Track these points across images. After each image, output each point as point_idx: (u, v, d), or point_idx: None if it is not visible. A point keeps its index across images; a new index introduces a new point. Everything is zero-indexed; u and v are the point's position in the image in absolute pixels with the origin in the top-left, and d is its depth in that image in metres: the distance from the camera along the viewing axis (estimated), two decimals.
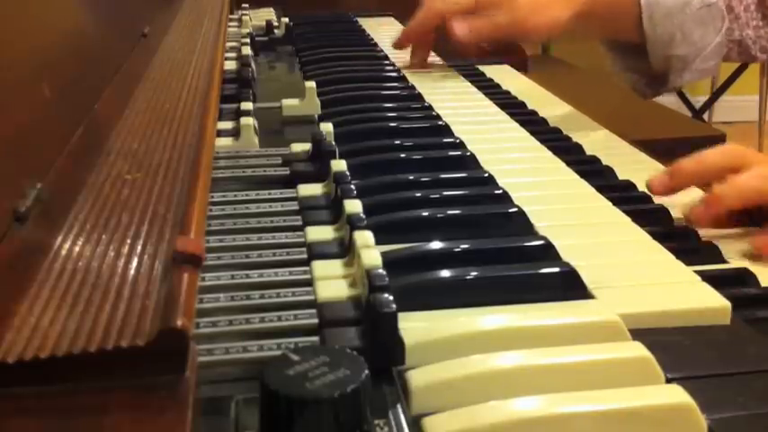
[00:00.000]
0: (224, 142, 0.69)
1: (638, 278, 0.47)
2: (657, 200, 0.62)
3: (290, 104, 0.80)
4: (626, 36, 0.94)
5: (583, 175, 0.65)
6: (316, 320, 0.41)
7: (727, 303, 0.44)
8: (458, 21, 0.91)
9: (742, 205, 0.57)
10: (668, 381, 0.37)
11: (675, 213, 0.60)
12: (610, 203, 0.59)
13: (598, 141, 0.79)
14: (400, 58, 1.06)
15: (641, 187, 0.65)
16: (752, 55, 0.94)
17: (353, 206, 0.51)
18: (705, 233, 0.57)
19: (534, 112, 0.88)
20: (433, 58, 1.10)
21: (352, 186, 0.54)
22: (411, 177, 0.61)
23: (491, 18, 0.91)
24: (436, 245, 0.49)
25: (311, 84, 0.81)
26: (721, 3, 0.92)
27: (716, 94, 2.82)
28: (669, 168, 0.61)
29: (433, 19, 0.95)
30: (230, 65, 0.94)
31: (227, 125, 0.72)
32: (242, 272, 0.45)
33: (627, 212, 0.57)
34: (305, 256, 0.48)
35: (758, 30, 0.92)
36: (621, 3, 0.91)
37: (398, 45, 1.06)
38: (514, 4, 0.90)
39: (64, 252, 0.37)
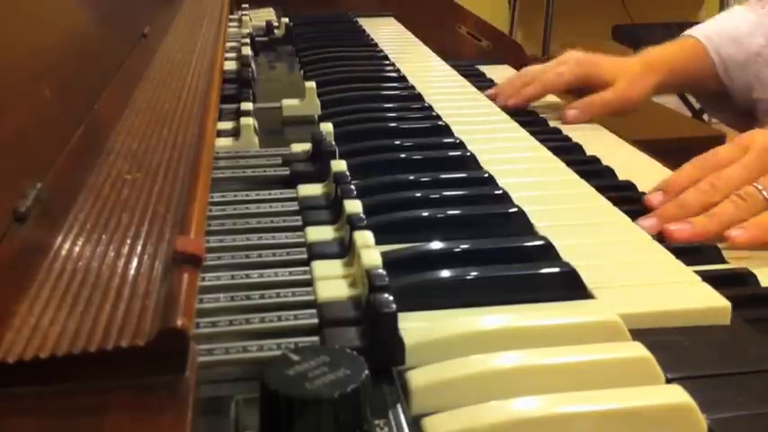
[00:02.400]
0: (224, 142, 0.69)
1: (638, 278, 0.47)
2: None
3: (290, 104, 0.80)
4: (708, 87, 1.00)
5: (583, 175, 0.65)
6: (316, 320, 0.41)
7: (727, 303, 0.44)
8: (570, 109, 0.89)
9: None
10: (668, 381, 0.37)
11: None
12: (610, 203, 0.59)
13: (598, 141, 0.79)
14: (400, 57, 1.06)
15: (641, 187, 0.65)
16: None
17: (353, 206, 0.51)
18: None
19: (534, 112, 0.88)
20: (433, 58, 1.10)
21: (352, 186, 0.54)
22: (411, 177, 0.61)
23: (601, 97, 0.90)
24: (436, 245, 0.49)
25: (311, 84, 0.81)
26: None
27: None
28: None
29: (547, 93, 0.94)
30: (230, 65, 0.94)
31: (227, 125, 0.72)
32: (242, 272, 0.45)
33: (627, 212, 0.57)
34: (305, 256, 0.48)
35: None
36: (696, 60, 0.97)
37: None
38: (607, 76, 0.91)
39: (64, 252, 0.37)
